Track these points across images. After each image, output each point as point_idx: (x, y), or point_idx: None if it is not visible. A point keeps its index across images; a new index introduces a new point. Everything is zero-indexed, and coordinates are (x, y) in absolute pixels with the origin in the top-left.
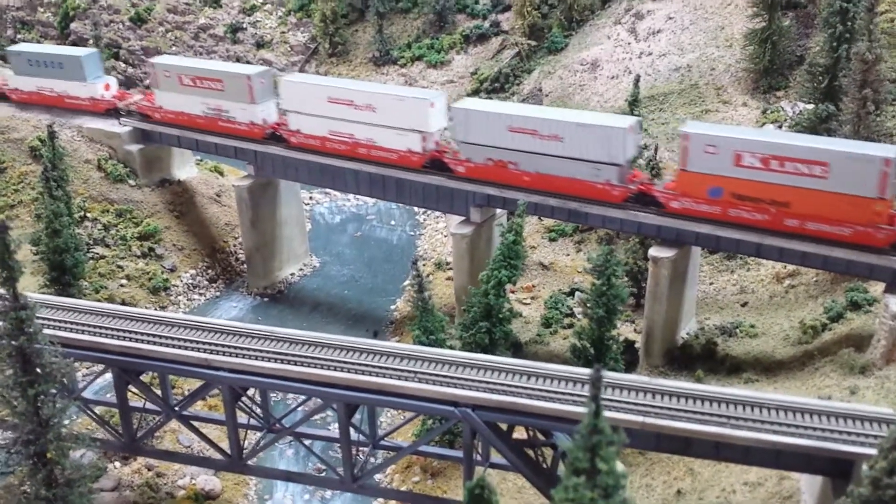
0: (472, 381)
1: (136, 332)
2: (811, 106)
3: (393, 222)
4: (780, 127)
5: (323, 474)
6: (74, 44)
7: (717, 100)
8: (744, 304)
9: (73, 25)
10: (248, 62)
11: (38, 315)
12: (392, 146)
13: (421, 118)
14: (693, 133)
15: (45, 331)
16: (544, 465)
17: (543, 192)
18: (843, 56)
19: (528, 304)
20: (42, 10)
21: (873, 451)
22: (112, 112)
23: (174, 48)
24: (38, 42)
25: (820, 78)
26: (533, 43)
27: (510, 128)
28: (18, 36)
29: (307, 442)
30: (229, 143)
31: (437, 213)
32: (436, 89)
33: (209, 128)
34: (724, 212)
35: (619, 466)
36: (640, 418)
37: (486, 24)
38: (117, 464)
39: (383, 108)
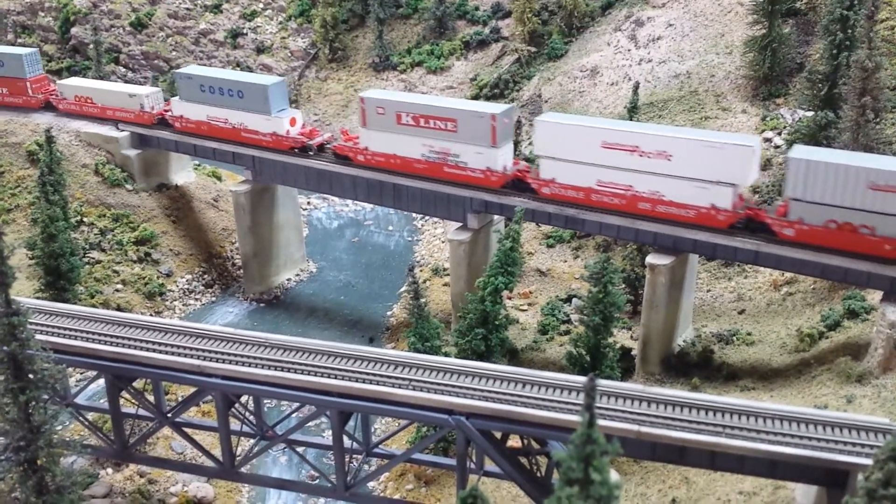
0: (467, 388)
1: (129, 338)
2: (811, 113)
3: (391, 228)
4: (780, 134)
5: (316, 482)
6: (75, 49)
7: (716, 107)
8: (741, 312)
9: (73, 30)
10: (248, 67)
11: (30, 321)
12: (689, 201)
13: (737, 168)
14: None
15: (38, 336)
16: (539, 474)
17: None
18: (843, 64)
19: (525, 310)
20: (43, 14)
21: (869, 462)
22: (300, 151)
23: (174, 53)
24: (39, 46)
25: (820, 85)
26: (533, 49)
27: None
28: (19, 40)
29: (300, 449)
30: (227, 149)
31: (436, 219)
32: (438, 93)
33: (428, 173)
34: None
35: (614, 476)
36: (635, 427)
37: (486, 30)
38: (109, 470)
39: (684, 155)
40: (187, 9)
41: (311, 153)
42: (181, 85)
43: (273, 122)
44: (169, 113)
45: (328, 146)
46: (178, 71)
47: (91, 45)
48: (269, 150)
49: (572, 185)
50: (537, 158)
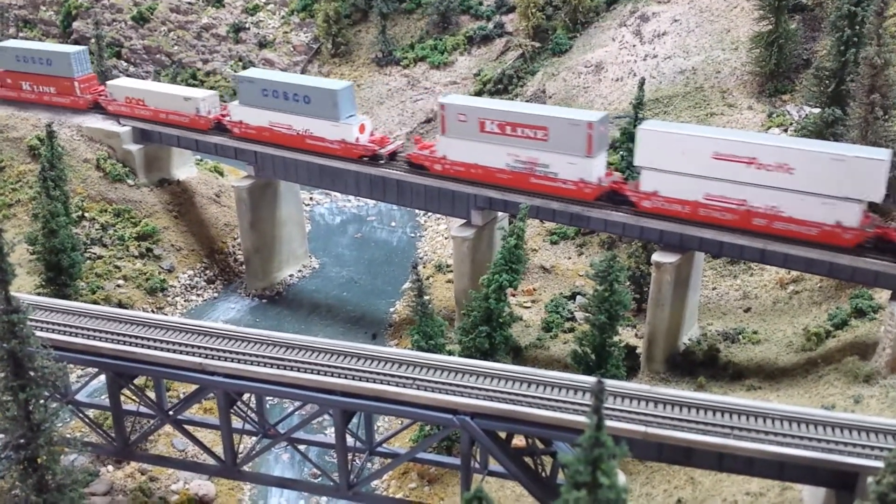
0: (472, 388)
1: (130, 336)
2: (817, 110)
3: (394, 223)
4: (786, 131)
5: (318, 480)
6: (76, 42)
7: (722, 103)
8: (747, 310)
9: (75, 24)
10: (250, 62)
11: (30, 318)
12: (811, 218)
13: (869, 183)
14: None
15: (38, 333)
16: (543, 474)
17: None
18: (851, 60)
19: (529, 307)
20: (44, 8)
21: (878, 464)
22: (371, 159)
23: (176, 48)
24: (40, 40)
25: (827, 82)
26: (537, 44)
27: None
28: (20, 34)
29: (302, 447)
30: (229, 144)
31: (439, 215)
32: (440, 90)
33: (513, 184)
34: None
35: (621, 478)
36: (641, 428)
37: (490, 25)
38: (110, 468)
39: (807, 168)
40: (189, 3)
41: (381, 162)
42: (241, 89)
43: (341, 129)
44: (227, 118)
45: (401, 154)
46: (239, 74)
47: (93, 40)
48: (335, 159)
49: (677, 198)
50: (639, 169)
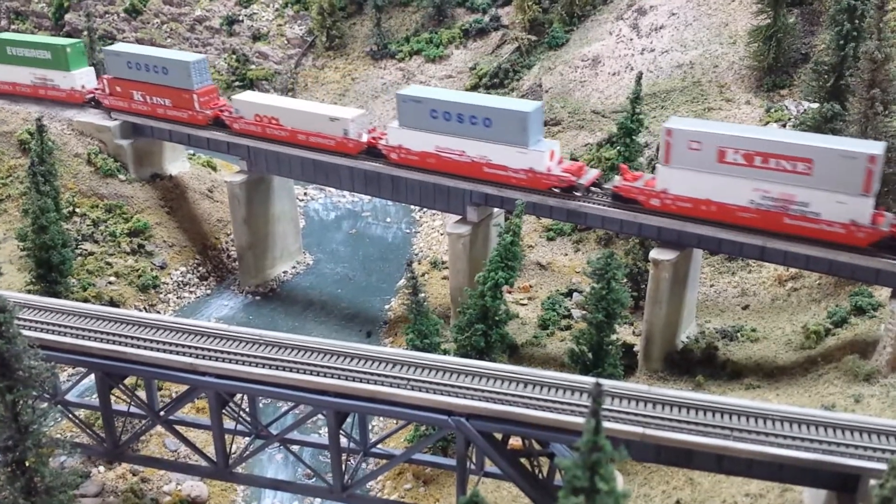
0: (467, 388)
1: (120, 335)
2: (816, 105)
3: (389, 219)
4: (785, 126)
5: (312, 481)
6: (69, 35)
7: (719, 97)
8: (745, 307)
9: (67, 16)
10: (244, 55)
11: (18, 317)
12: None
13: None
14: None
15: (26, 333)
16: (540, 476)
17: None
18: (850, 55)
19: (525, 304)
20: (37, 0)
21: (880, 466)
22: (563, 191)
23: (169, 40)
24: (32, 32)
25: (825, 77)
26: (533, 38)
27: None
28: (12, 27)
29: (296, 448)
30: (222, 139)
31: (434, 211)
32: (436, 84)
33: (758, 224)
34: None
35: (619, 482)
36: (639, 429)
37: (486, 18)
38: (101, 468)
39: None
40: None
41: (577, 194)
42: (404, 109)
43: (531, 157)
44: (382, 141)
45: (604, 186)
46: (402, 93)
47: (85, 32)
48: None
49: None
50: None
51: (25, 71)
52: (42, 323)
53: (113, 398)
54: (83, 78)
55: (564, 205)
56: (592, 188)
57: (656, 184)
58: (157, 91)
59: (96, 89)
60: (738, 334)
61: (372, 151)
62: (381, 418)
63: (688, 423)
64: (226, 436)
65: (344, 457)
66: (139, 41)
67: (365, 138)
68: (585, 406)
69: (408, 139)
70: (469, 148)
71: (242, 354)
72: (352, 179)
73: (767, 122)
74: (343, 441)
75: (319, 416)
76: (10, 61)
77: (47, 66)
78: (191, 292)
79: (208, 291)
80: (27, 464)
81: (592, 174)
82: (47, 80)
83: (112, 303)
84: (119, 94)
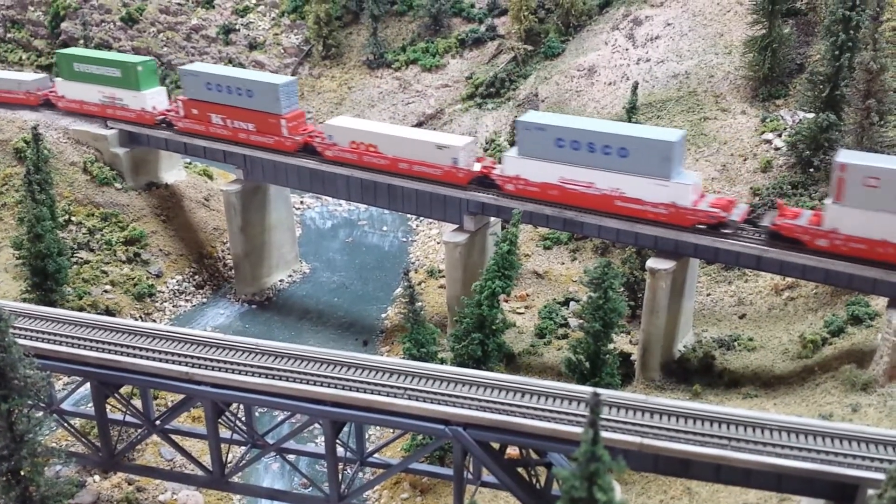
0: (464, 398)
1: (115, 344)
2: (811, 115)
3: (385, 228)
4: (780, 136)
5: (308, 491)
6: (65, 43)
7: (715, 107)
8: (742, 317)
9: (63, 25)
10: (240, 64)
11: (13, 326)
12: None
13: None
14: None
15: (21, 342)
16: (538, 486)
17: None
18: (846, 65)
19: (522, 313)
20: (32, 8)
21: (879, 476)
22: (710, 228)
23: (165, 49)
24: (28, 41)
25: (821, 87)
26: (529, 48)
27: None
28: (8, 35)
29: (292, 458)
30: (218, 147)
31: (431, 220)
32: (432, 93)
33: None
34: None
35: (617, 490)
36: (637, 439)
37: (482, 28)
38: (97, 477)
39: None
40: (179, 4)
41: (727, 231)
42: (524, 138)
43: (673, 190)
44: (497, 171)
45: (760, 223)
46: (524, 119)
47: (81, 41)
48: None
49: None
50: None
51: (94, 89)
52: (37, 332)
53: (108, 407)
54: (154, 98)
55: (561, 214)
56: (744, 225)
57: (824, 222)
58: (239, 115)
59: (168, 110)
60: (735, 343)
61: (483, 182)
62: (378, 428)
63: (686, 432)
64: (222, 445)
65: (340, 466)
66: (135, 50)
67: (477, 167)
68: (583, 416)
69: (527, 169)
70: (599, 180)
71: (238, 364)
72: (348, 188)
73: (763, 132)
74: (340, 450)
75: (316, 425)
76: (78, 78)
77: (116, 85)
78: (187, 301)
79: (204, 300)
80: (22, 473)
81: (742, 209)
82: (116, 100)
83: (108, 311)
84: (195, 118)
